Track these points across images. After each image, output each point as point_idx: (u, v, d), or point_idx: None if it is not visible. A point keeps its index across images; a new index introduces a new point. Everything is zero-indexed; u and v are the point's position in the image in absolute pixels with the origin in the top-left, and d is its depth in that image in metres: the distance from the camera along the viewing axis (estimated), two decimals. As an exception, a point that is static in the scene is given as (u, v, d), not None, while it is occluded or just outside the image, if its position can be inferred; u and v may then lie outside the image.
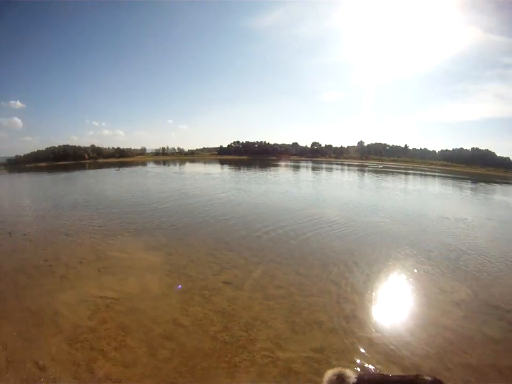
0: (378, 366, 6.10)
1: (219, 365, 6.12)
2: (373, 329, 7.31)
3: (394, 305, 8.60)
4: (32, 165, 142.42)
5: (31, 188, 44.21)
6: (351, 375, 4.29)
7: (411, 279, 10.14)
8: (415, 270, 10.81)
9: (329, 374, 4.38)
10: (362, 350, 6.55)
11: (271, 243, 13.60)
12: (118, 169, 73.62)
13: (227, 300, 8.64)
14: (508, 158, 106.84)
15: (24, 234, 15.87)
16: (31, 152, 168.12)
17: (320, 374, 4.87)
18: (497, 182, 55.10)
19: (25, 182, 58.56)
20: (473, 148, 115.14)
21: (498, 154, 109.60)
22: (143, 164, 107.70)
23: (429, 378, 4.28)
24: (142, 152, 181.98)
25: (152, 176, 53.84)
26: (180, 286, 9.50)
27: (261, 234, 14.93)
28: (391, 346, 6.71)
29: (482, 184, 49.39)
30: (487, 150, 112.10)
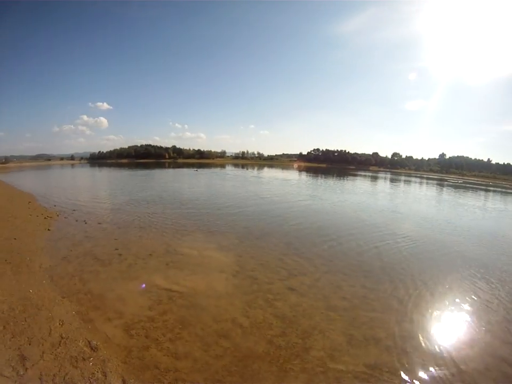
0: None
1: (270, 369, 5.89)
2: (428, 353, 6.71)
3: (453, 331, 7.78)
4: (113, 160, 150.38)
5: (109, 181, 46.94)
6: None
7: (476, 305, 9.13)
8: (482, 296, 9.76)
9: None
10: (414, 372, 6.05)
11: (342, 253, 13.10)
12: (196, 170, 75.62)
13: (289, 306, 8.35)
14: None
15: (99, 223, 16.61)
16: (114, 149, 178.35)
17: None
18: None
19: (104, 175, 62.34)
20: None
21: None
22: (222, 166, 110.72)
23: None
24: (222, 155, 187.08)
25: (231, 178, 55.96)
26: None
27: (333, 243, 14.44)
28: (444, 372, 6.12)
29: None
30: None
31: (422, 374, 6.03)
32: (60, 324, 6.77)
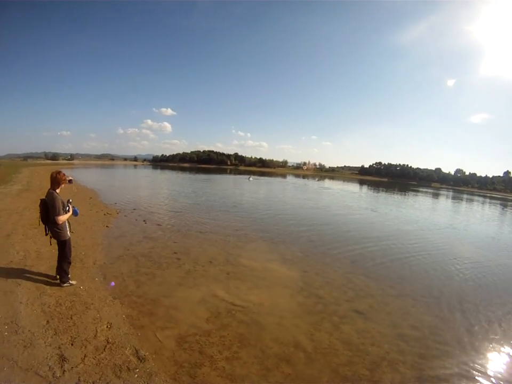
0: None
1: (333, 402, 5.15)
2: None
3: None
4: (175, 164, 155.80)
5: (171, 184, 48.90)
6: None
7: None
8: None
9: None
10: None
11: (410, 275, 12.13)
12: (250, 179, 73.80)
13: (356, 332, 7.51)
14: None
15: (159, 225, 16.40)
16: (176, 153, 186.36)
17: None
18: None
19: (166, 177, 65.28)
20: None
21: None
22: (283, 175, 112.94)
23: None
24: (283, 164, 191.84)
25: (295, 188, 58.11)
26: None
27: (401, 264, 13.43)
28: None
29: None
30: None
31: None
32: (107, 326, 6.21)
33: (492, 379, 6.25)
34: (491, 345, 7.62)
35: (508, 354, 7.28)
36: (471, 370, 6.49)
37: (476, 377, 6.26)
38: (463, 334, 8.07)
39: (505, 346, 7.60)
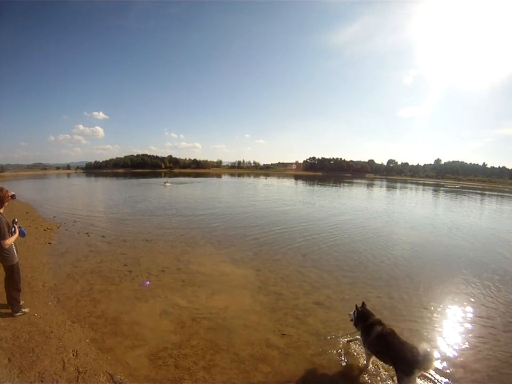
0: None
1: (318, 393, 5.35)
2: (463, 359, 6.49)
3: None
4: (109, 170, 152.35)
5: (107, 191, 48.03)
6: None
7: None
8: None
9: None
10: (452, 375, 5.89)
11: (359, 263, 12.65)
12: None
13: (321, 322, 7.73)
14: None
15: (103, 236, 15.84)
16: (109, 159, 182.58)
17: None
18: None
19: (101, 185, 64.04)
20: None
21: None
22: (218, 175, 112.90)
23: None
24: (218, 164, 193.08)
25: (237, 187, 59.09)
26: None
27: (349, 253, 14.05)
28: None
29: None
30: None
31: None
32: (73, 355, 5.84)
33: (453, 344, 6.97)
34: (446, 315, 8.46)
35: (458, 321, 8.18)
36: (430, 341, 7.01)
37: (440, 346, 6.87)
38: (420, 310, 8.67)
39: (456, 314, 8.53)
